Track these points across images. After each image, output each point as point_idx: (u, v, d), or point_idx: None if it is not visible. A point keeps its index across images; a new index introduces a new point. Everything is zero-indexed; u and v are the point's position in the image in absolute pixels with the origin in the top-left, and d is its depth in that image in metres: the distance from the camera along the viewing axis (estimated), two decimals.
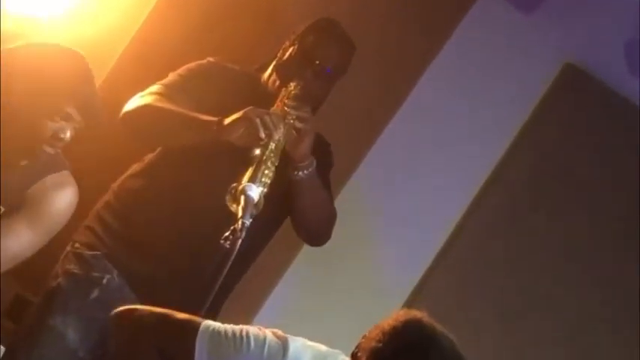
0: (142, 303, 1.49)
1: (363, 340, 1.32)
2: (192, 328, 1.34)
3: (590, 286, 2.39)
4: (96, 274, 1.73)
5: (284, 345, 1.33)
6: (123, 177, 1.84)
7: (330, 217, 1.86)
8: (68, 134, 1.55)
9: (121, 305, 1.40)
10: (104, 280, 1.73)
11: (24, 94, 1.58)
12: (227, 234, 1.34)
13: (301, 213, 1.82)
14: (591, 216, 2.42)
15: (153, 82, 1.78)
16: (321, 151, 1.83)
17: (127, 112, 1.75)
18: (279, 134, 1.62)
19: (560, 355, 2.34)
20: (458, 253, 2.38)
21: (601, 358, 2.34)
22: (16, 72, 1.59)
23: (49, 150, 1.57)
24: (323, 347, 1.40)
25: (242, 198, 1.40)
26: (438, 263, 2.38)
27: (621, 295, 2.37)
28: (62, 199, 1.66)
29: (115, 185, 1.83)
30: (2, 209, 1.59)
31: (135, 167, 1.85)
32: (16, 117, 1.57)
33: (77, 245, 1.78)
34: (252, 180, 1.48)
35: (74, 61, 1.62)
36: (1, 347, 1.82)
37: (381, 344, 1.31)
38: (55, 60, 1.62)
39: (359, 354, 1.33)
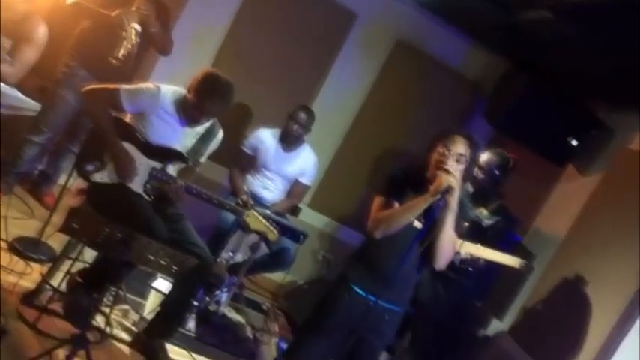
0: (97, 82, 3.18)
1: (190, 82, 3.03)
2: (118, 89, 2.90)
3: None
4: (76, 71, 3.65)
5: (157, 87, 3.00)
6: (75, 35, 3.72)
7: (170, 42, 3.84)
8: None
9: (88, 84, 3.08)
10: (81, 73, 3.65)
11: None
12: (115, 61, 3.31)
13: (157, 43, 3.78)
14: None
15: None
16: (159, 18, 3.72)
17: (70, 3, 3.53)
18: (135, 19, 3.49)
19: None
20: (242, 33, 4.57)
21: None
22: None
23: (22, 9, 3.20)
24: (176, 87, 3.05)
25: (124, 45, 3.29)
26: (231, 38, 4.57)
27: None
28: (41, 29, 3.25)
29: (73, 38, 3.71)
30: (11, 42, 3.14)
31: (78, 30, 3.70)
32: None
33: (62, 67, 3.68)
34: (126, 42, 3.38)
35: None
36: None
37: (195, 81, 2.96)
38: None
39: (189, 88, 2.97)
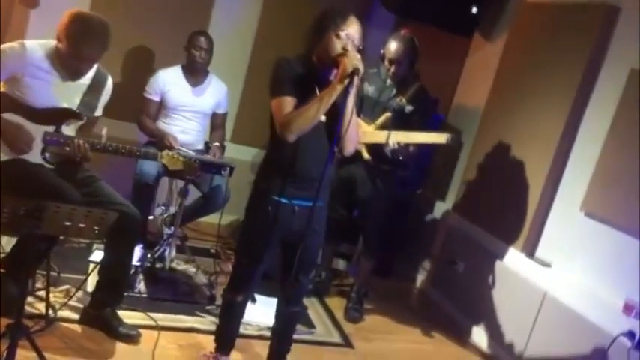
0: None
1: (57, 30, 2.61)
2: None
3: None
4: None
5: (21, 44, 2.62)
6: None
7: None
8: None
9: None
10: None
11: None
12: None
13: None
14: None
15: None
16: None
17: None
18: None
19: None
20: None
21: None
22: None
23: None
24: (44, 40, 2.67)
25: None
26: None
27: None
28: None
29: None
30: None
31: None
32: None
33: None
34: None
35: None
36: None
37: (63, 27, 2.56)
38: None
39: (59, 36, 2.59)
